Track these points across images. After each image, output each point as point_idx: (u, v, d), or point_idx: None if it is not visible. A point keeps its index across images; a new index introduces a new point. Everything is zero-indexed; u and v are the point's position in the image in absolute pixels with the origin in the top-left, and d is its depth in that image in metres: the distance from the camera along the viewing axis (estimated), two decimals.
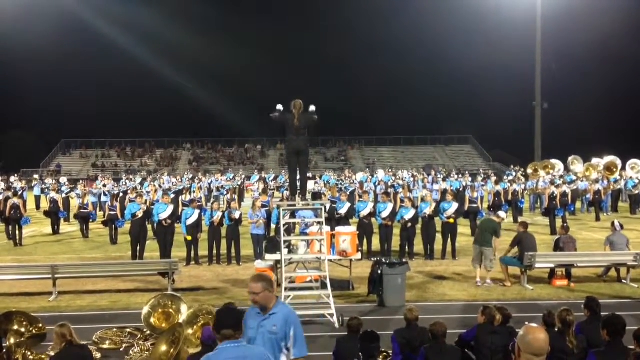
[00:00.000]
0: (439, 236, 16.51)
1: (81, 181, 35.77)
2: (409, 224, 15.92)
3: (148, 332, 9.06)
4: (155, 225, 15.97)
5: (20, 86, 61.36)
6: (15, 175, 38.88)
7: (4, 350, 7.95)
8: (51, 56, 62.78)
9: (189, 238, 15.60)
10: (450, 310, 11.14)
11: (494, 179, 27.31)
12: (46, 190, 25.70)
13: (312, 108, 11.50)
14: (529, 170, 26.37)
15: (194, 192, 22.57)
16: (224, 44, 67.24)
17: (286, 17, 73.29)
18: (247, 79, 69.14)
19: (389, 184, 27.20)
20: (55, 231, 22.03)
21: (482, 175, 33.76)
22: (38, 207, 30.29)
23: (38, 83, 64.06)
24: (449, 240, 16.31)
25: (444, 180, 28.93)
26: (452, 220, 16.22)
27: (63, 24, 60.54)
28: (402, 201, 17.64)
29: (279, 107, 11.39)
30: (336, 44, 68.71)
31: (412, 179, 30.23)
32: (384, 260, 12.02)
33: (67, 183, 28.52)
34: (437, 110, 65.47)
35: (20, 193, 23.83)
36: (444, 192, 22.10)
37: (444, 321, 7.22)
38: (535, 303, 11.66)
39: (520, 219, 14.30)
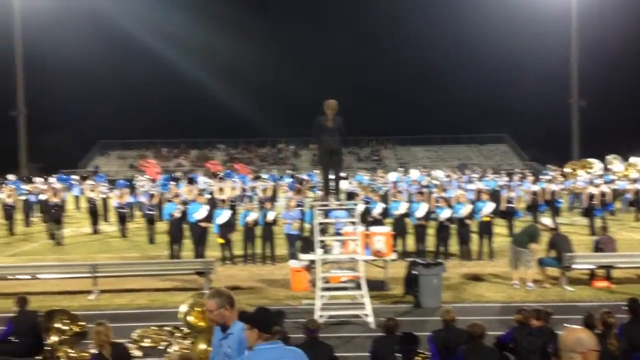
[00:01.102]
0: (474, 236, 16.37)
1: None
2: (445, 223, 15.81)
3: (186, 330, 9.18)
4: (191, 225, 16.17)
5: (57, 88, 62.58)
6: (54, 176, 39.75)
7: (48, 348, 8.16)
8: (87, 59, 63.85)
9: (222, 241, 15.78)
10: (487, 311, 11.05)
11: (530, 178, 26.91)
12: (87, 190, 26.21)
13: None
14: (567, 170, 25.95)
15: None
16: (256, 45, 67.62)
17: (318, 17, 73.34)
18: (280, 79, 69.38)
19: (423, 183, 27.04)
20: (95, 230, 22.46)
21: (519, 175, 33.31)
22: (77, 206, 30.92)
23: (74, 85, 65.27)
24: (485, 240, 16.16)
25: (479, 179, 28.66)
26: (487, 219, 16.06)
27: (98, 28, 61.65)
28: (436, 201, 17.53)
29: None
30: (369, 42, 68.55)
31: (446, 179, 30.00)
32: (419, 260, 11.98)
33: (105, 183, 29.01)
34: (472, 109, 64.74)
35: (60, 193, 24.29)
36: (479, 192, 21.89)
37: (481, 322, 7.17)
38: (574, 305, 11.49)
39: (544, 221, 14.10)
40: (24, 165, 42.20)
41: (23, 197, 25.52)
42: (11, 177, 30.08)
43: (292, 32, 72.51)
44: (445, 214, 15.85)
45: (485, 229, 16.17)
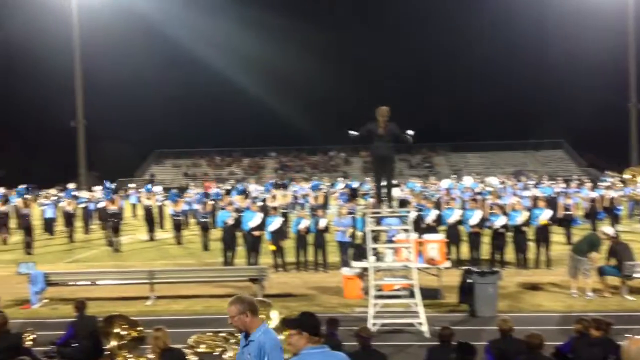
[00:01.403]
0: (531, 245, 16.01)
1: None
2: (500, 231, 15.53)
3: None
4: (244, 232, 16.39)
5: (115, 99, 64.44)
6: (113, 184, 40.88)
7: (107, 352, 8.36)
8: (143, 71, 65.56)
9: (273, 248, 15.90)
10: (545, 321, 10.78)
11: (588, 184, 26.20)
12: (142, 199, 26.83)
13: (411, 132, 11.50)
14: (626, 176, 25.14)
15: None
16: (308, 54, 68.04)
17: (369, 24, 73.31)
18: (329, 86, 69.61)
19: (477, 190, 26.65)
20: (151, 238, 22.95)
21: (576, 181, 32.46)
22: (134, 214, 31.68)
23: (131, 96, 67.09)
24: (543, 248, 15.80)
25: (535, 186, 28.05)
26: (545, 222, 15.69)
27: (153, 41, 63.28)
28: (491, 208, 17.24)
29: (353, 132, 11.45)
30: (418, 48, 68.07)
31: (501, 185, 29.48)
32: (474, 268, 11.80)
33: (161, 191, 29.64)
34: (527, 114, 63.42)
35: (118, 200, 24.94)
36: (535, 199, 21.43)
37: (540, 332, 7.01)
38: (635, 314, 11.11)
39: (605, 230, 13.62)
40: (83, 175, 43.48)
41: (82, 205, 26.31)
42: (71, 185, 31.05)
43: (342, 40, 72.66)
44: (500, 221, 15.56)
45: (543, 237, 15.81)
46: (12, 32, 58.19)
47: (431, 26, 67.13)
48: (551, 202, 20.47)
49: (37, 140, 66.14)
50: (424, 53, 68.40)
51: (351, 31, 73.48)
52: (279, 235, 16.10)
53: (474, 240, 15.89)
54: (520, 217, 15.70)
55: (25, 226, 20.76)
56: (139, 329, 8.94)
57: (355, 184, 33.91)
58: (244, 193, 23.39)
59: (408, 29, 69.82)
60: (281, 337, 8.16)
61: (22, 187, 28.25)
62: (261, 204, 20.64)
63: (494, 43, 62.78)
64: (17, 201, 25.43)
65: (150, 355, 7.90)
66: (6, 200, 24.01)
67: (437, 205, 22.16)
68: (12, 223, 24.98)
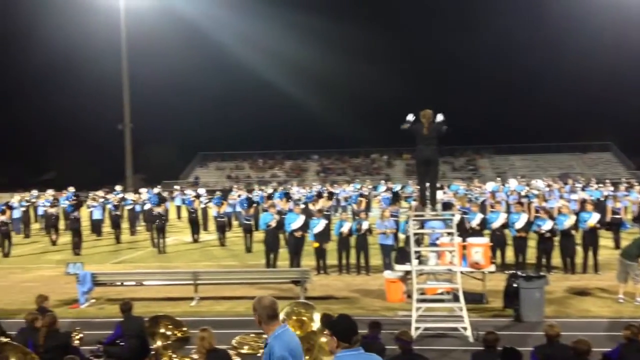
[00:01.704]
0: (579, 249, 15.66)
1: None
2: (547, 235, 15.21)
3: None
4: (287, 234, 16.48)
5: (160, 103, 65.67)
6: (158, 186, 41.61)
7: (152, 352, 8.50)
8: (188, 75, 66.73)
9: (316, 245, 15.96)
10: (593, 327, 10.52)
11: (638, 188, 25.48)
12: (187, 201, 27.23)
13: (440, 117, 11.36)
14: None
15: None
16: (350, 57, 68.06)
17: (410, 24, 72.87)
18: (373, 88, 69.49)
19: (522, 193, 26.20)
20: (195, 239, 23.26)
21: (625, 184, 31.60)
22: (179, 216, 32.18)
23: (176, 100, 68.30)
24: (591, 252, 15.42)
25: (582, 189, 27.43)
26: (592, 224, 15.32)
27: (198, 45, 64.33)
28: (537, 211, 16.92)
29: (410, 117, 11.34)
30: (464, 47, 67.37)
31: (547, 189, 28.92)
32: (520, 273, 11.60)
33: (205, 194, 30.03)
34: (574, 116, 62.09)
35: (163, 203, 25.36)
36: (582, 202, 20.94)
37: (587, 338, 6.85)
38: None
39: None
40: (129, 177, 44.39)
41: (129, 207, 26.84)
42: (119, 188, 31.71)
43: (385, 40, 72.41)
44: (546, 225, 15.25)
45: (591, 241, 15.43)
46: (62, 38, 59.84)
47: (481, 30, 66.32)
48: (599, 206, 19.98)
49: (85, 144, 67.83)
50: (470, 55, 67.71)
51: (396, 33, 73.12)
52: (323, 237, 16.13)
53: (520, 244, 15.61)
54: (568, 221, 15.34)
55: (74, 227, 21.27)
56: (183, 329, 9.06)
57: (397, 187, 33.74)
58: (287, 196, 23.50)
59: (457, 32, 69.17)
60: (323, 339, 8.19)
61: (70, 191, 28.97)
62: (303, 206, 20.71)
63: (541, 47, 61.76)
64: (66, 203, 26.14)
65: (195, 356, 7.99)
66: (56, 203, 24.62)
67: (482, 208, 21.88)
68: (61, 224, 25.65)
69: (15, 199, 28.16)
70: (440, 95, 58.46)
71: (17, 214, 25.99)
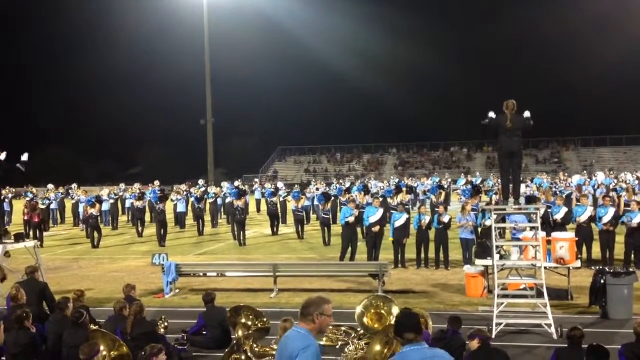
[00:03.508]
0: None
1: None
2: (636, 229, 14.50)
3: (361, 331, 9.32)
4: (365, 227, 16.45)
5: (242, 99, 67.11)
6: (239, 180, 42.50)
7: (234, 342, 8.71)
8: (268, 72, 67.88)
9: (391, 239, 15.90)
10: None
11: None
12: (266, 194, 27.65)
13: (527, 114, 11.02)
14: None
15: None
16: (427, 47, 67.17)
17: (491, 15, 71.08)
18: (452, 80, 68.37)
19: (610, 187, 25.09)
20: (274, 232, 23.61)
21: None
22: (258, 209, 32.76)
23: (257, 96, 69.60)
24: None
25: None
26: None
27: (278, 43, 65.33)
28: (626, 205, 16.15)
29: (491, 114, 11.06)
30: (545, 35, 65.22)
31: (637, 182, 27.59)
32: (607, 269, 11.13)
33: (283, 187, 30.41)
34: None
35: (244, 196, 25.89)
36: None
37: None
38: None
39: None
40: (211, 171, 45.48)
41: (211, 200, 27.53)
42: (201, 181, 32.57)
43: (466, 33, 71.10)
44: (636, 219, 14.54)
45: None
46: (147, 37, 62.03)
47: (561, 20, 64.02)
48: None
49: (170, 139, 70.08)
50: (552, 42, 65.48)
51: (478, 28, 71.60)
52: (403, 231, 16.01)
53: (607, 239, 14.97)
54: None
55: (160, 220, 22.01)
56: (264, 319, 9.25)
57: (478, 180, 33.07)
58: (365, 189, 23.46)
59: (536, 26, 67.07)
60: None
61: (156, 185, 29.98)
62: (381, 199, 20.63)
63: (629, 34, 58.84)
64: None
65: (275, 346, 8.12)
66: (142, 196, 25.60)
67: (567, 201, 21.11)
68: (147, 217, 26.58)
69: (104, 192, 29.36)
70: (521, 87, 56.76)
71: (105, 206, 27.20)
